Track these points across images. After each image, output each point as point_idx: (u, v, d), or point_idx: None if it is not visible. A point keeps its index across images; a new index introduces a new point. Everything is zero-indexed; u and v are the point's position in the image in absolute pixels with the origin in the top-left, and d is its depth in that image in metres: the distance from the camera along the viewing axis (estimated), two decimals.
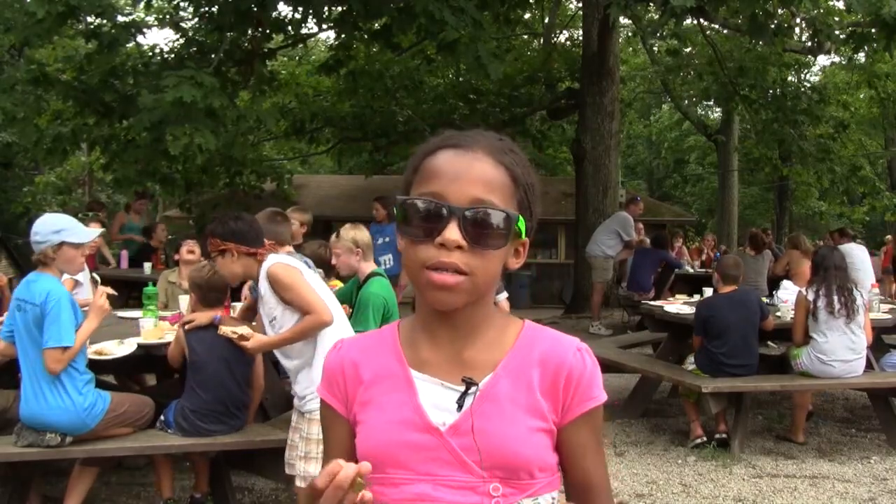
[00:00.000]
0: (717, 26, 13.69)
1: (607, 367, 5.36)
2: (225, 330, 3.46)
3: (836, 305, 5.11)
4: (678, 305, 6.45)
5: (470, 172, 1.06)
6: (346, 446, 1.16)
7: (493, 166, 1.08)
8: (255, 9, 8.98)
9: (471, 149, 1.09)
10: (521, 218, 1.08)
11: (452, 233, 1.03)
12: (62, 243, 3.50)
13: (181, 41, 10.36)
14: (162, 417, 3.72)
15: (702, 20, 12.03)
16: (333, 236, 4.17)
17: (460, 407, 1.08)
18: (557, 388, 1.11)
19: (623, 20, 14.32)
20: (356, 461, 1.15)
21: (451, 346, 1.11)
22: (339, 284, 5.13)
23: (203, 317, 3.69)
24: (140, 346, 3.98)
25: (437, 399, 1.10)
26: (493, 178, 1.07)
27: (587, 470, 1.16)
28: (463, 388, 1.09)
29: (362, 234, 4.31)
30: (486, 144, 1.10)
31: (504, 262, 1.11)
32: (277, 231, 3.96)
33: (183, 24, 10.58)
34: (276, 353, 3.37)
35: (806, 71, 21.40)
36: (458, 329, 1.11)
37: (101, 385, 3.69)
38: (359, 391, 1.14)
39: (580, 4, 14.72)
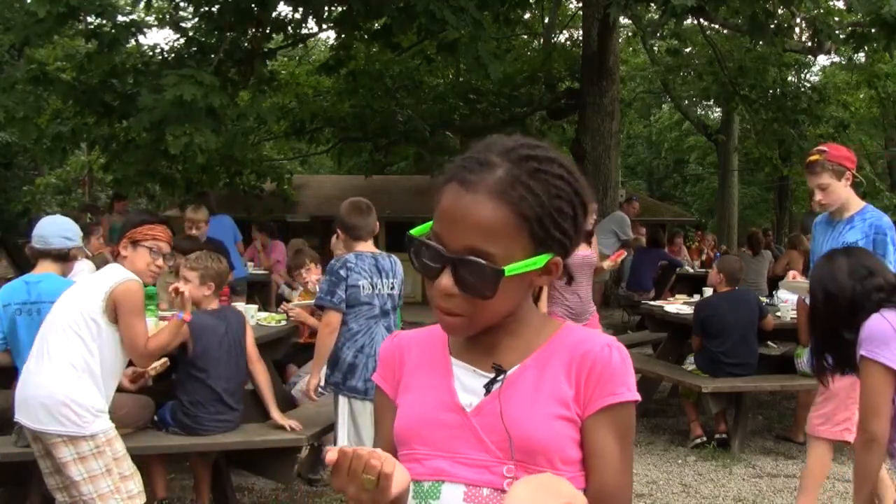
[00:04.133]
0: (717, 26, 13.68)
1: None
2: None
3: None
4: (678, 305, 6.45)
5: (466, 219, 1.04)
6: (392, 431, 1.20)
7: (494, 209, 1.03)
8: (256, 8, 8.97)
9: (473, 187, 1.04)
10: (510, 268, 1.03)
11: (445, 281, 1.06)
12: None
13: (181, 41, 10.35)
14: (156, 418, 3.71)
15: (702, 20, 12.03)
16: (333, 238, 4.17)
17: (487, 391, 1.12)
18: (581, 378, 1.11)
19: (623, 20, 14.31)
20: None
21: (487, 344, 1.16)
22: None
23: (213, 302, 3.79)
24: None
25: (467, 383, 1.15)
26: (491, 223, 1.03)
27: (600, 472, 1.11)
28: (493, 375, 1.13)
29: None
30: (493, 181, 1.04)
31: (527, 286, 1.12)
32: (352, 224, 3.66)
33: (183, 24, 10.57)
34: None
35: (806, 71, 21.39)
36: (492, 336, 1.15)
37: None
38: (404, 374, 1.21)
39: (580, 4, 14.71)
